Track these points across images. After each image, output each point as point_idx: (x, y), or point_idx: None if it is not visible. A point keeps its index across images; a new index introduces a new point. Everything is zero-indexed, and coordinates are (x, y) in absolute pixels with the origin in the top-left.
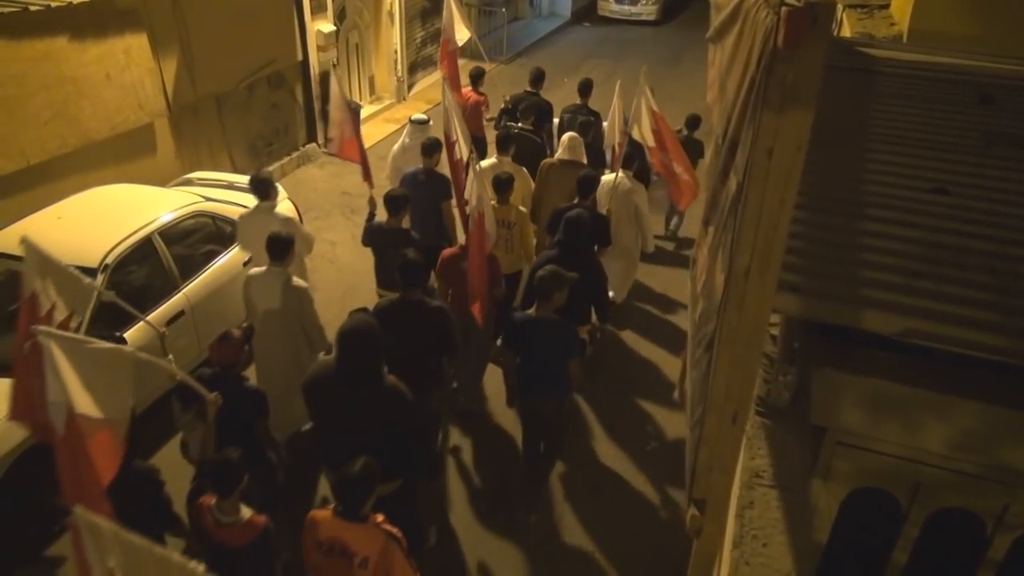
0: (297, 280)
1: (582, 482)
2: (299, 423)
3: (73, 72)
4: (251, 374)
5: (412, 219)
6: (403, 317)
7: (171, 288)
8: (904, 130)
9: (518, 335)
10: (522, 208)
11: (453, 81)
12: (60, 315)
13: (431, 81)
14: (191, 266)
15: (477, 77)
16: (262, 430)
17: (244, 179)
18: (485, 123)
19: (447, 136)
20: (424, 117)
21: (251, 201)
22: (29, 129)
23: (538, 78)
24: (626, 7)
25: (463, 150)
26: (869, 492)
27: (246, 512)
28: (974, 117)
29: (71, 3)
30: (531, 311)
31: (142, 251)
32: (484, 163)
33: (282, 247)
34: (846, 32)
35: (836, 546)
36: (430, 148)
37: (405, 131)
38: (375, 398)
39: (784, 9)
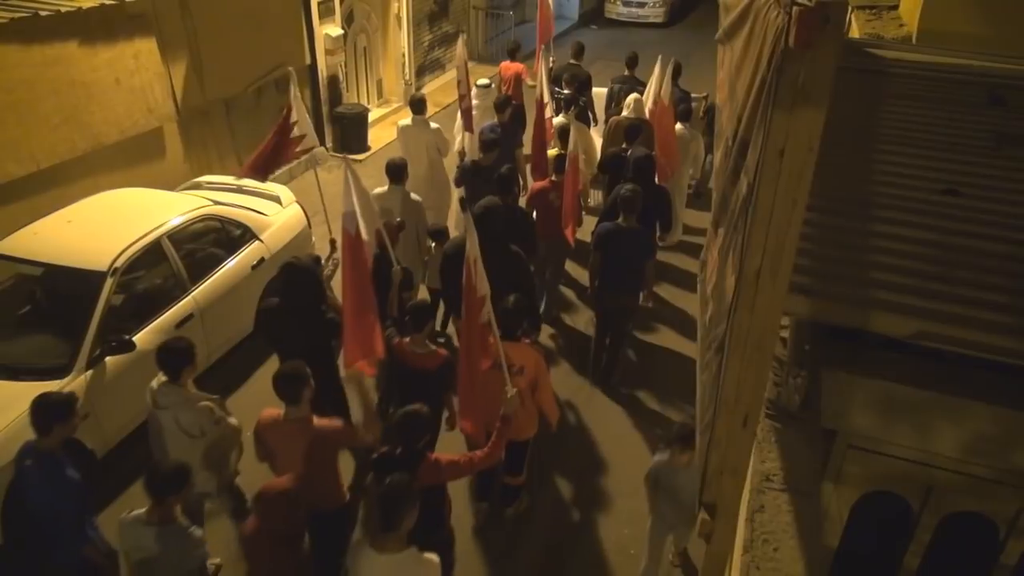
0: (415, 195)
1: (591, 486)
2: None
3: (83, 76)
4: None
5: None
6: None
7: (180, 292)
8: (914, 131)
9: (607, 240)
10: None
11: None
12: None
13: (439, 84)
14: (200, 269)
15: (514, 51)
16: (407, 297)
17: (252, 183)
18: (525, 90)
19: (540, 98)
20: (487, 81)
21: (259, 204)
22: (39, 133)
23: (580, 51)
24: (634, 9)
25: (550, 109)
26: (880, 496)
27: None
28: (985, 118)
29: (81, 8)
30: (619, 220)
31: (151, 255)
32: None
33: (399, 170)
34: (855, 33)
35: (847, 550)
36: (503, 105)
37: (472, 94)
38: (502, 259)
39: (796, 8)
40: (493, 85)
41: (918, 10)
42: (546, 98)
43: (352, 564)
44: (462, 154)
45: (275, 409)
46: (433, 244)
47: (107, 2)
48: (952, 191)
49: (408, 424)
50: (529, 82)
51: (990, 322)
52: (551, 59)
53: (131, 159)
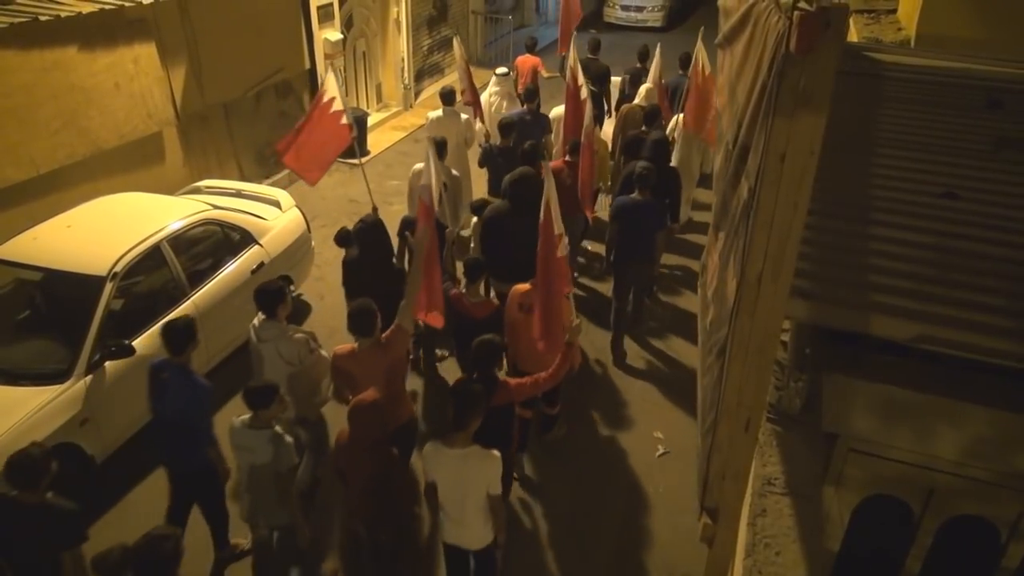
0: (454, 170)
1: (591, 492)
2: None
3: (82, 81)
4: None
5: None
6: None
7: (180, 296)
8: (913, 135)
9: (623, 212)
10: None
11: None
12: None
13: (438, 88)
14: (200, 274)
15: (532, 46)
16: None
17: (252, 187)
18: (541, 82)
19: (574, 79)
20: (505, 70)
21: (258, 209)
22: (39, 138)
23: (596, 46)
24: (632, 14)
25: (583, 93)
26: (882, 499)
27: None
28: (983, 121)
29: (80, 13)
30: (633, 195)
31: (151, 259)
32: (558, 109)
33: (440, 147)
34: (853, 37)
35: (849, 554)
36: (531, 94)
37: (491, 83)
38: (535, 223)
39: (797, 13)
40: (512, 74)
41: (916, 14)
42: (580, 80)
43: (426, 459)
44: (487, 135)
45: (347, 344)
46: (475, 219)
47: (107, 7)
48: (951, 195)
49: (483, 351)
50: (544, 74)
51: (989, 325)
52: (563, 53)
53: (131, 164)
